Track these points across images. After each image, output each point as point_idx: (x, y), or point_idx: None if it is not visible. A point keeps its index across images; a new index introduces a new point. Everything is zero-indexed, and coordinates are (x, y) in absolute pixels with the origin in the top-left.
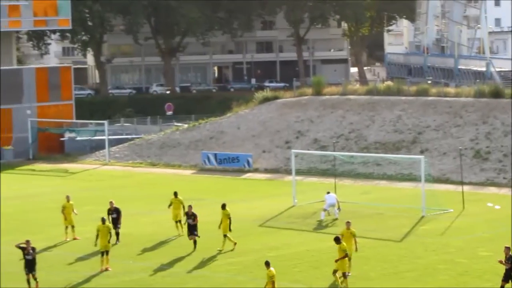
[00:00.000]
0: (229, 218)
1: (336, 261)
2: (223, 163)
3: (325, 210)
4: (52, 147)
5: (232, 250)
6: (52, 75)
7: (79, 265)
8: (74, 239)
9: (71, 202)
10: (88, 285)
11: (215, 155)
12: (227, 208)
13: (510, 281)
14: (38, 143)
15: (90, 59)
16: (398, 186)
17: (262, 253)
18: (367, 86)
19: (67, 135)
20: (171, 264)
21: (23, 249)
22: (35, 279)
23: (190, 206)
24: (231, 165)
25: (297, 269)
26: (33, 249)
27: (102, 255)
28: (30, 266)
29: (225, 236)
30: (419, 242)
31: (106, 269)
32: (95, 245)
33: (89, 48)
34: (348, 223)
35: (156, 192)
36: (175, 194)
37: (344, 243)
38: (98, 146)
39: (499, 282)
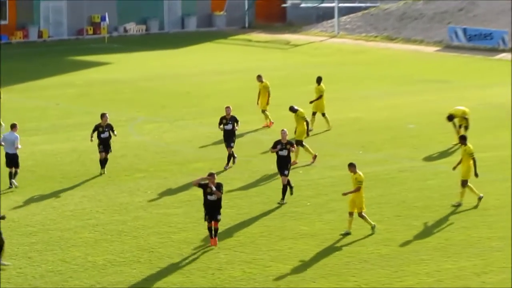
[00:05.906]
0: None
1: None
2: (473, 40)
3: None
4: (271, 15)
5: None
6: None
7: None
8: (264, 126)
9: (265, 82)
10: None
11: (464, 30)
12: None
13: None
14: (256, 9)
15: None
16: None
17: None
18: None
19: (290, 1)
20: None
21: (204, 186)
22: (215, 229)
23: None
24: (482, 42)
25: None
26: (219, 186)
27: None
28: (212, 209)
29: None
30: None
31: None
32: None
33: None
34: None
35: (393, 72)
36: (319, 80)
37: None
38: (325, 15)
39: None
